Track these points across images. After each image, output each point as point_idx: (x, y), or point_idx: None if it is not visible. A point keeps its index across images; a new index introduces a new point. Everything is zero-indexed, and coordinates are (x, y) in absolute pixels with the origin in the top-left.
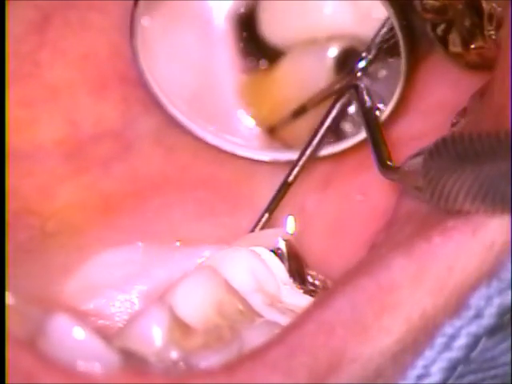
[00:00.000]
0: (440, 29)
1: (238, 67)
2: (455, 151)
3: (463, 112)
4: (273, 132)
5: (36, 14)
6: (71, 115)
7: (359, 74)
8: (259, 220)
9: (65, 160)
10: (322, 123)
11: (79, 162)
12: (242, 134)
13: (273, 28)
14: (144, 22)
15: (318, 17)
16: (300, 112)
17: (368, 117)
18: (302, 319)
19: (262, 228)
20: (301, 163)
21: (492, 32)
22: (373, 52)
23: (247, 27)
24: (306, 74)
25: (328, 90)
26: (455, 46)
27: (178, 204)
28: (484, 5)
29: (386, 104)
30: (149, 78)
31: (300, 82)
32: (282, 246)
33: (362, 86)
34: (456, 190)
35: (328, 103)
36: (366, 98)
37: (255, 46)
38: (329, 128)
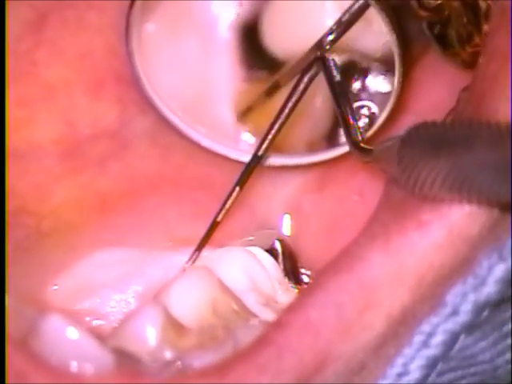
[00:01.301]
0: (436, 28)
1: (238, 77)
2: (430, 138)
3: (456, 105)
4: (245, 116)
5: (33, 13)
6: (68, 114)
7: (328, 47)
8: (190, 257)
9: (61, 159)
10: (289, 97)
11: (75, 162)
12: (236, 143)
13: (275, 39)
14: (148, 27)
15: (320, 29)
16: (273, 90)
17: (336, 91)
18: (287, 316)
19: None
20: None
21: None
22: (342, 26)
23: (250, 37)
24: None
25: (298, 64)
26: (452, 44)
27: (174, 204)
28: (480, 3)
29: (379, 107)
30: (144, 81)
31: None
32: (278, 245)
33: (330, 59)
34: (431, 178)
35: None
36: (334, 71)
37: (257, 55)
38: (295, 104)
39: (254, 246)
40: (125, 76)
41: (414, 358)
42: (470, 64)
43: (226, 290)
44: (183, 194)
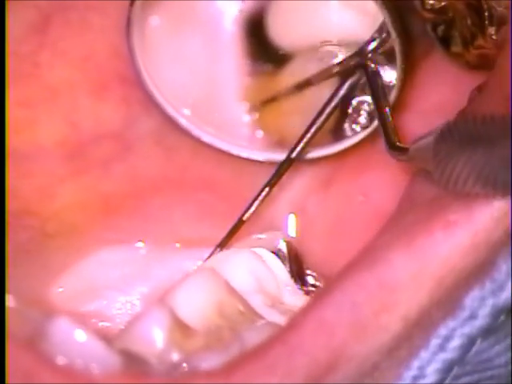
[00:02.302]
0: (440, 29)
1: (244, 70)
2: (467, 132)
3: (468, 105)
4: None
5: (36, 14)
6: (71, 116)
7: (370, 55)
8: (211, 254)
9: (65, 161)
10: (328, 103)
11: (79, 163)
12: (244, 137)
13: (280, 32)
14: (152, 22)
15: (326, 23)
16: (304, 85)
17: (377, 96)
18: (302, 317)
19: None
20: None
21: (492, 32)
22: (384, 34)
23: (255, 31)
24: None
25: (335, 67)
26: (455, 46)
27: (178, 205)
28: (484, 5)
29: None
30: (146, 78)
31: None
32: (283, 247)
33: (372, 66)
34: (466, 172)
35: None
36: (375, 77)
37: (262, 49)
38: (332, 111)
39: (260, 247)
40: (128, 77)
41: (430, 361)
42: (475, 65)
43: (232, 291)
44: (188, 194)
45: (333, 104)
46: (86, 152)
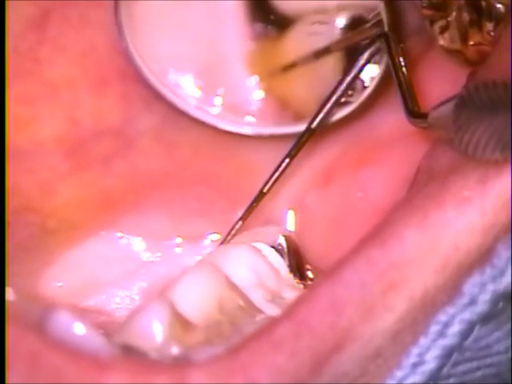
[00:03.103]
0: (438, 25)
1: (247, 35)
2: (487, 97)
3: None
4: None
5: (35, 10)
6: (71, 112)
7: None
8: (233, 227)
9: (65, 157)
10: (348, 72)
11: (79, 159)
12: (250, 103)
13: None
14: None
15: None
16: (322, 53)
17: (396, 64)
18: (311, 292)
19: (235, 235)
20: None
21: (490, 29)
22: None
23: None
24: (315, 43)
25: (355, 37)
26: (454, 42)
27: (179, 200)
28: (483, 1)
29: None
30: (133, 53)
31: (308, 51)
32: (283, 241)
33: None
34: (486, 138)
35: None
36: (393, 45)
37: (264, 13)
38: (353, 78)
39: (260, 242)
40: (129, 73)
41: (429, 348)
42: (474, 62)
43: (232, 286)
44: (188, 190)
45: (352, 74)
46: (86, 148)
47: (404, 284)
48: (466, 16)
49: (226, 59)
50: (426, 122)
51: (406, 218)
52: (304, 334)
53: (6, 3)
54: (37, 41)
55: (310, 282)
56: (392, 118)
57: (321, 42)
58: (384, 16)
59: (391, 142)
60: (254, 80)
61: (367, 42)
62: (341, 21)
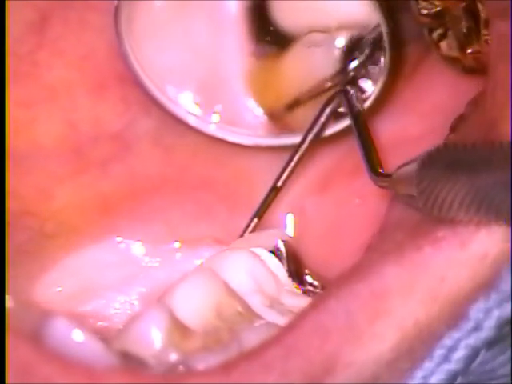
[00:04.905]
0: (436, 33)
1: (247, 52)
2: (449, 160)
3: (460, 118)
4: (273, 118)
5: (35, 14)
6: (70, 116)
7: (351, 73)
8: (248, 225)
9: (63, 160)
10: (310, 128)
11: (78, 163)
12: (247, 120)
13: (284, 14)
14: (155, 3)
15: (329, 5)
16: (293, 105)
17: (357, 123)
18: (298, 320)
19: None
20: (289, 168)
21: (488, 37)
22: (366, 52)
23: (259, 12)
24: (314, 62)
25: (320, 86)
26: (452, 50)
27: (177, 204)
28: (480, 10)
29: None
30: (132, 60)
31: (307, 70)
32: (281, 246)
33: (352, 91)
34: (450, 199)
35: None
36: (356, 103)
37: (265, 31)
38: (317, 133)
39: (258, 247)
40: (127, 76)
41: (434, 372)
42: (471, 69)
43: (230, 291)
44: (186, 194)
45: (314, 131)
46: (84, 152)
47: (390, 314)
48: (463, 24)
49: (226, 76)
50: (388, 182)
51: (382, 258)
52: (292, 355)
53: (7, 7)
54: (36, 44)
55: (309, 287)
56: (388, 127)
57: (320, 62)
58: (384, 30)
59: (387, 150)
60: (252, 100)
61: (329, 97)
62: (340, 41)
